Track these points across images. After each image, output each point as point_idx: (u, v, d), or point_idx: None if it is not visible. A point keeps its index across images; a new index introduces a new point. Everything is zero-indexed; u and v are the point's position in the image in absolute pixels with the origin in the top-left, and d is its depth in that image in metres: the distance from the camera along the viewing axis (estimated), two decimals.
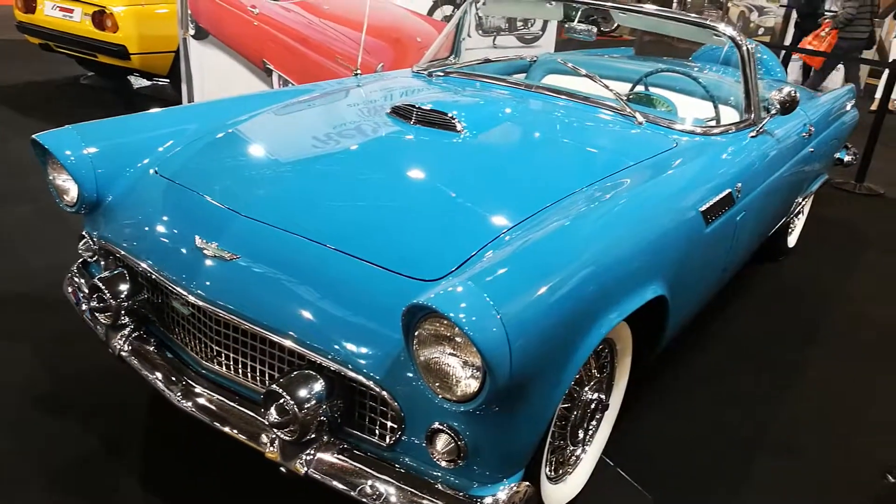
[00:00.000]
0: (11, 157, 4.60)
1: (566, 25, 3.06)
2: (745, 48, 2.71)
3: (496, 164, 2.11)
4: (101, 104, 6.29)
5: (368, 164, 2.06)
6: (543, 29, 6.12)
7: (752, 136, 2.66)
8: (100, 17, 5.70)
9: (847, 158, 4.48)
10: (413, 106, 2.32)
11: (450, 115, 2.26)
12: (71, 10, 5.92)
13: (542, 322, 1.43)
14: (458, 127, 2.24)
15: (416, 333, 1.40)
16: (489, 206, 1.85)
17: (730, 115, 2.81)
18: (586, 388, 1.90)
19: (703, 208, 2.12)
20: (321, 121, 2.47)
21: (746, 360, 2.93)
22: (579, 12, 3.01)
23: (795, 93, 2.66)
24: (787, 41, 10.75)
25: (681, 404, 2.60)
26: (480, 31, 5.80)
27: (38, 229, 3.56)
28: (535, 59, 3.93)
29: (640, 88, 3.21)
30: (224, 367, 1.80)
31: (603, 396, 1.99)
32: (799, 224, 4.15)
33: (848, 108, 4.22)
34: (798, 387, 2.79)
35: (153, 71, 6.05)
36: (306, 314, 1.60)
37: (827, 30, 8.57)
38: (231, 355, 1.77)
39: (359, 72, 3.12)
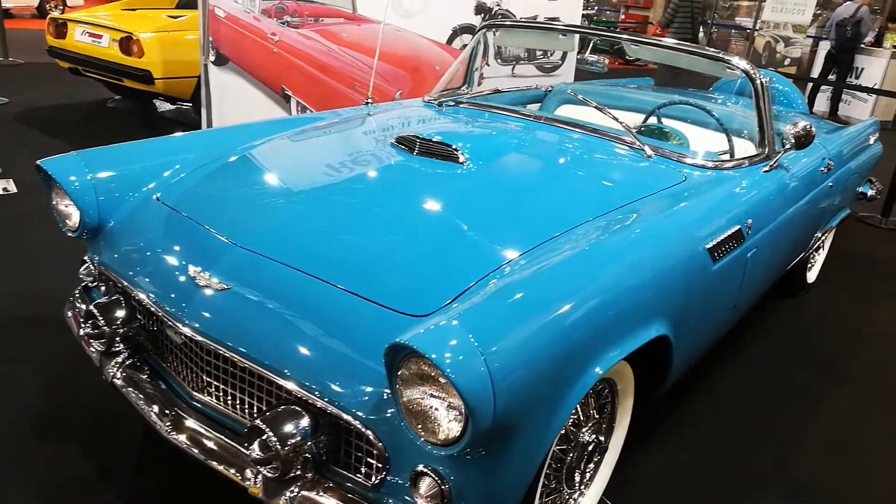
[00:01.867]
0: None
1: (577, 57, 3.04)
2: (758, 81, 2.66)
3: (498, 197, 2.08)
4: (126, 127, 6.41)
5: (368, 195, 2.04)
6: (563, 58, 6.12)
7: (765, 171, 2.60)
8: (127, 43, 5.83)
9: (871, 192, 4.37)
10: (416, 137, 2.30)
11: (453, 146, 2.24)
12: (100, 36, 6.07)
13: (531, 363, 1.39)
14: (461, 158, 2.22)
15: (398, 373, 1.36)
16: (487, 239, 1.82)
17: (745, 149, 2.75)
18: (584, 430, 1.84)
19: (710, 245, 2.07)
20: (324, 151, 2.47)
21: (761, 398, 2.84)
22: (591, 43, 3.00)
23: (811, 127, 2.60)
24: (815, 72, 10.64)
25: (691, 443, 2.51)
26: (499, 60, 5.82)
27: (69, 249, 3.60)
28: (550, 88, 3.92)
29: (652, 120, 3.18)
30: (214, 399, 1.78)
31: (602, 438, 1.92)
32: (819, 259, 4.05)
33: (871, 141, 4.13)
34: (813, 425, 2.68)
35: (176, 95, 6.16)
36: (292, 348, 1.57)
37: (658, 30, 8.92)
38: (221, 386, 1.75)
39: (370, 100, 3.13)
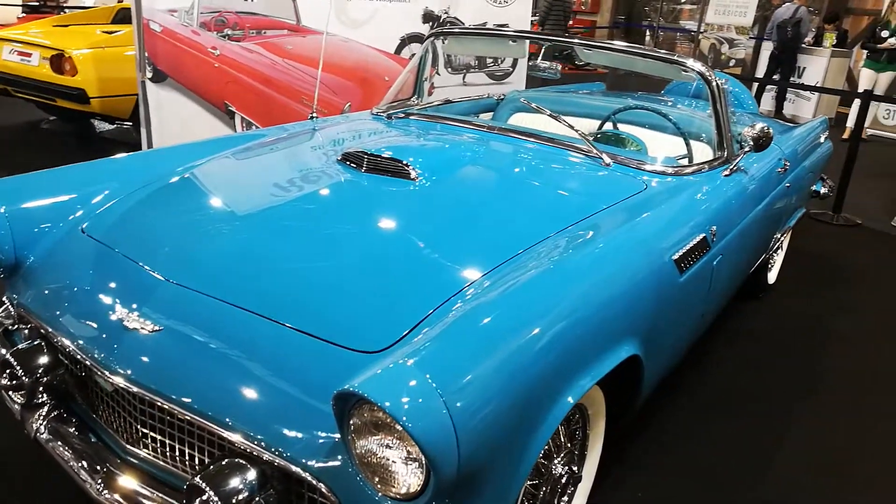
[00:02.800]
0: None
1: (529, 63, 2.95)
2: (714, 84, 2.60)
3: (453, 214, 1.95)
4: (62, 150, 6.11)
5: (313, 219, 1.90)
6: (514, 65, 6.05)
7: (726, 175, 2.54)
8: (58, 61, 5.55)
9: (823, 190, 4.39)
10: (364, 152, 2.17)
11: (404, 161, 2.11)
12: (29, 55, 5.76)
13: (497, 401, 1.26)
14: (413, 174, 2.09)
15: (350, 422, 1.22)
16: (445, 260, 1.69)
17: (703, 153, 2.69)
18: (556, 461, 1.72)
19: (676, 256, 1.98)
20: (266, 171, 2.31)
21: (729, 410, 2.77)
22: (543, 49, 2.91)
23: (769, 128, 2.56)
24: (759, 73, 10.85)
25: (662, 463, 2.42)
26: (450, 69, 5.71)
27: None
28: (502, 97, 3.82)
29: (608, 126, 3.11)
30: (150, 452, 1.60)
31: (575, 468, 1.81)
32: (779, 259, 4.04)
33: (822, 139, 4.14)
34: (786, 435, 2.62)
35: (115, 114, 5.89)
36: (233, 394, 1.42)
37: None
38: (158, 437, 1.58)
39: (315, 115, 2.98)
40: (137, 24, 4.38)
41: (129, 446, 1.63)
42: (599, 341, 1.61)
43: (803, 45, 10.07)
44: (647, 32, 15.25)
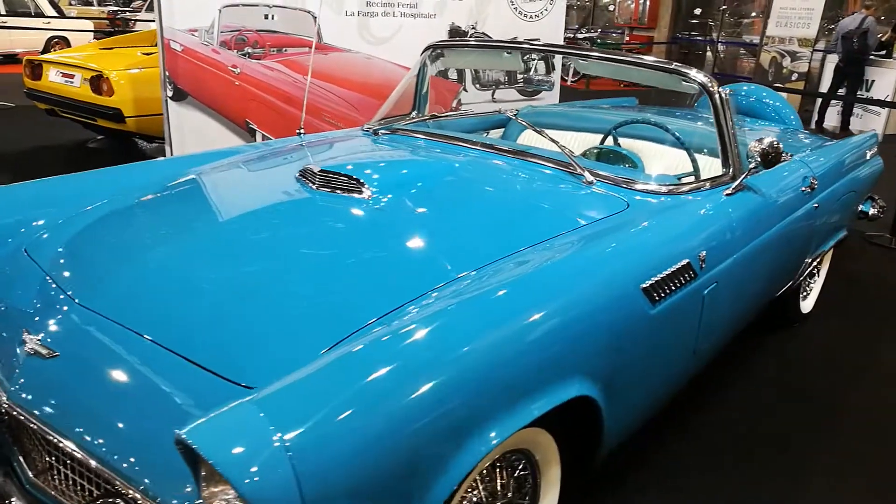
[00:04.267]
0: None
1: (520, 76, 2.79)
2: (717, 95, 2.38)
3: (396, 236, 1.80)
4: (100, 166, 6.26)
5: (245, 241, 1.78)
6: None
7: (728, 195, 2.30)
8: (97, 82, 5.71)
9: (872, 211, 4.03)
10: (319, 169, 2.05)
11: (356, 178, 1.98)
12: (72, 76, 5.96)
13: (370, 454, 1.10)
14: (365, 191, 1.96)
15: (200, 471, 1.08)
16: (366, 288, 1.55)
17: (715, 169, 2.46)
18: None
19: (647, 284, 1.77)
20: (220, 191, 2.21)
21: (739, 455, 2.49)
22: (536, 61, 2.74)
23: (778, 143, 2.31)
24: (822, 88, 10.27)
25: None
26: (478, 85, 5.58)
27: None
28: (515, 112, 3.66)
29: (610, 141, 2.90)
30: (53, 484, 1.51)
31: None
32: (816, 287, 3.69)
33: (868, 156, 3.80)
34: (805, 492, 2.34)
35: (150, 133, 6.01)
36: (106, 426, 1.31)
37: None
38: (59, 468, 1.48)
39: (302, 131, 2.89)
40: (161, 43, 4.44)
41: (33, 478, 1.54)
42: (529, 381, 1.43)
43: (871, 57, 9.49)
44: (708, 48, 14.78)
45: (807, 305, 3.59)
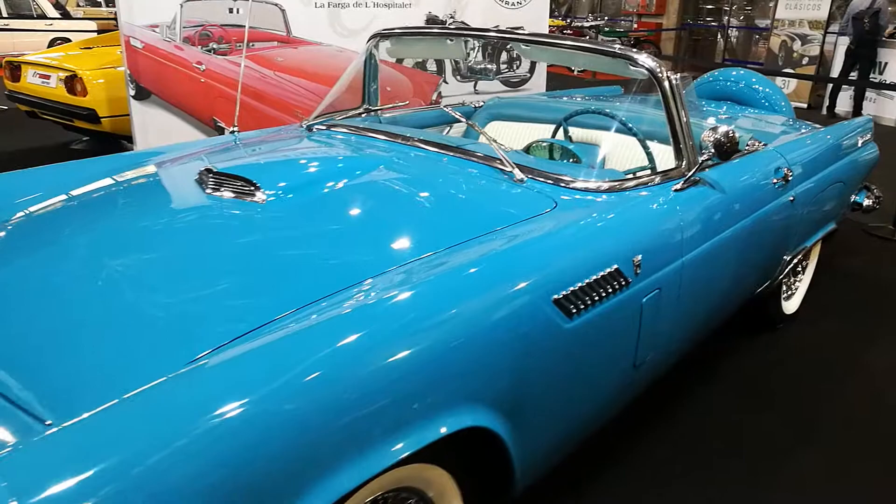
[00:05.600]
0: None
1: (467, 64, 2.59)
2: (666, 82, 2.16)
3: (283, 243, 1.62)
4: None
5: (113, 250, 1.61)
6: (531, 71, 5.65)
7: (677, 190, 2.09)
8: (71, 82, 5.60)
9: (867, 202, 3.77)
10: (214, 171, 1.87)
11: (251, 180, 1.80)
12: (48, 77, 5.86)
13: None
14: (259, 195, 1.78)
15: None
16: (227, 305, 1.37)
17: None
18: None
19: (559, 296, 1.57)
20: (113, 196, 2.03)
21: (691, 467, 2.29)
22: (475, 50, 2.54)
23: (734, 133, 2.09)
24: (833, 72, 9.90)
25: None
26: (458, 77, 5.38)
27: None
28: (480, 104, 3.46)
29: (561, 135, 2.69)
30: None
31: None
32: (802, 285, 3.45)
33: (860, 143, 3.54)
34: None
35: (128, 133, 5.89)
36: None
37: None
38: None
39: (235, 129, 2.72)
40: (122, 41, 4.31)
41: None
42: (398, 412, 1.24)
43: (884, 39, 9.11)
44: (719, 33, 14.38)
45: (791, 305, 3.35)
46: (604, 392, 1.89)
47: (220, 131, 4.69)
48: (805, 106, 10.15)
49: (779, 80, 10.33)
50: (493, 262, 1.51)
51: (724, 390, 2.76)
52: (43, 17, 13.58)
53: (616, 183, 2.05)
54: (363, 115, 2.79)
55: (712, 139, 2.10)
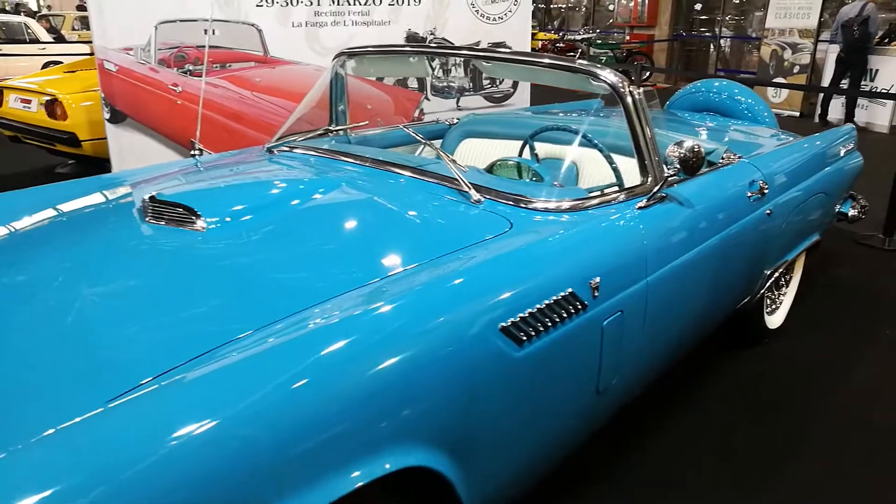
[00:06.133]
0: None
1: (432, 81, 2.53)
2: (629, 97, 2.09)
3: (216, 275, 1.55)
4: None
5: (35, 284, 1.54)
6: (514, 86, 5.60)
7: (642, 208, 2.02)
8: (51, 106, 5.57)
9: (853, 212, 3.70)
10: (154, 199, 1.81)
11: (191, 207, 1.74)
12: (29, 101, 5.83)
13: None
14: (199, 222, 1.71)
15: None
16: (149, 341, 1.29)
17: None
18: None
19: (507, 323, 1.49)
20: (50, 226, 1.93)
21: (681, 496, 2.20)
22: (457, 66, 2.48)
23: (699, 147, 2.03)
24: (825, 80, 9.86)
25: None
26: (433, 93, 5.32)
27: None
28: (454, 121, 3.41)
29: (528, 153, 2.63)
30: None
31: None
32: (786, 298, 3.37)
33: (842, 152, 3.47)
34: None
35: (106, 158, 5.84)
36: None
37: None
38: None
39: (196, 151, 2.66)
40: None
41: None
42: (337, 448, 1.17)
43: (873, 45, 9.07)
44: (711, 44, 14.38)
45: (775, 319, 3.27)
46: (565, 420, 1.80)
47: (201, 153, 4.63)
48: (797, 114, 10.11)
49: (771, 90, 10.31)
50: (433, 290, 1.44)
51: (699, 410, 2.67)
52: (36, 41, 13.60)
53: (578, 201, 1.98)
54: (328, 136, 2.72)
55: (677, 154, 2.03)
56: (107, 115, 4.37)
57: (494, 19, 5.40)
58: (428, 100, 5.29)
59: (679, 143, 2.04)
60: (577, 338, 1.70)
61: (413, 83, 5.21)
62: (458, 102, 5.45)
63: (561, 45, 14.77)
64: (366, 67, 2.83)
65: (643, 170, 2.12)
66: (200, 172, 2.34)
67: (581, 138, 2.39)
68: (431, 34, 5.17)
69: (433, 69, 2.61)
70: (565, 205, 1.95)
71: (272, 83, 4.74)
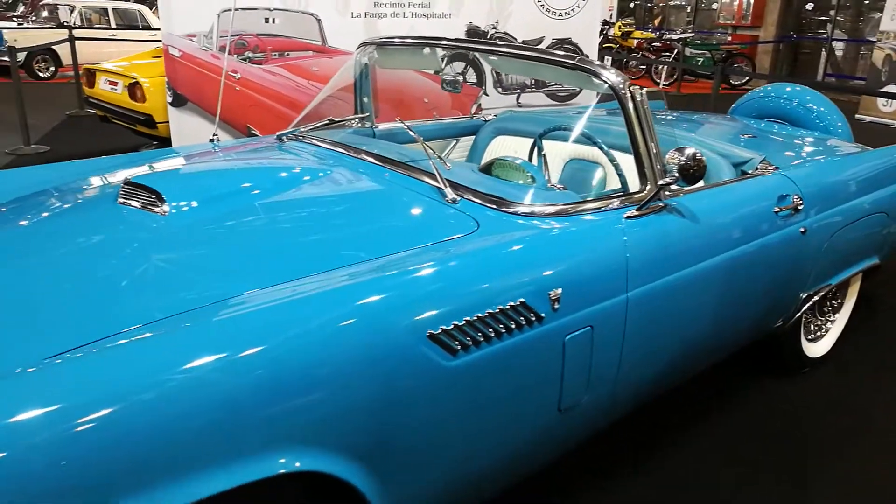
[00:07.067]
0: None
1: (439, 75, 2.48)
2: (630, 99, 1.95)
3: (167, 257, 1.56)
4: None
5: (23, 259, 1.60)
6: None
7: (631, 217, 1.88)
8: (133, 89, 5.88)
9: None
10: (126, 183, 1.85)
11: (157, 190, 1.76)
12: (116, 84, 6.18)
13: None
14: (163, 206, 1.73)
15: None
16: (63, 321, 1.31)
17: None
18: None
19: (438, 331, 1.42)
20: (53, 207, 2.02)
21: None
22: (445, 60, 2.41)
23: (700, 155, 1.87)
24: None
25: None
26: (500, 89, 5.23)
27: None
28: (491, 117, 3.33)
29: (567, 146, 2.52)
30: None
31: None
32: (835, 326, 3.08)
33: None
34: None
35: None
36: None
37: None
38: None
39: (216, 137, 2.72)
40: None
41: None
42: (230, 441, 1.15)
43: None
44: (823, 47, 13.45)
45: (819, 348, 3.00)
46: (519, 437, 1.70)
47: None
48: None
49: (881, 99, 9.53)
50: (353, 290, 1.38)
51: (719, 438, 2.48)
52: (148, 27, 14.45)
53: (567, 207, 1.87)
54: (349, 126, 2.71)
55: (678, 161, 1.88)
56: (170, 99, 4.56)
57: (561, 14, 5.24)
58: (486, 95, 5.21)
59: (680, 150, 1.89)
60: (530, 351, 1.60)
61: (472, 77, 5.14)
62: (518, 99, 5.34)
63: (657, 44, 14.22)
64: (385, 59, 2.79)
65: (642, 177, 1.97)
66: (202, 157, 2.38)
67: (588, 139, 2.26)
68: (493, 28, 5.08)
69: (442, 62, 2.52)
70: (550, 209, 1.84)
71: (328, 73, 4.78)
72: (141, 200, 1.77)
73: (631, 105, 1.95)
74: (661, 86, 13.15)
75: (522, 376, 1.62)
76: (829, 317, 3.04)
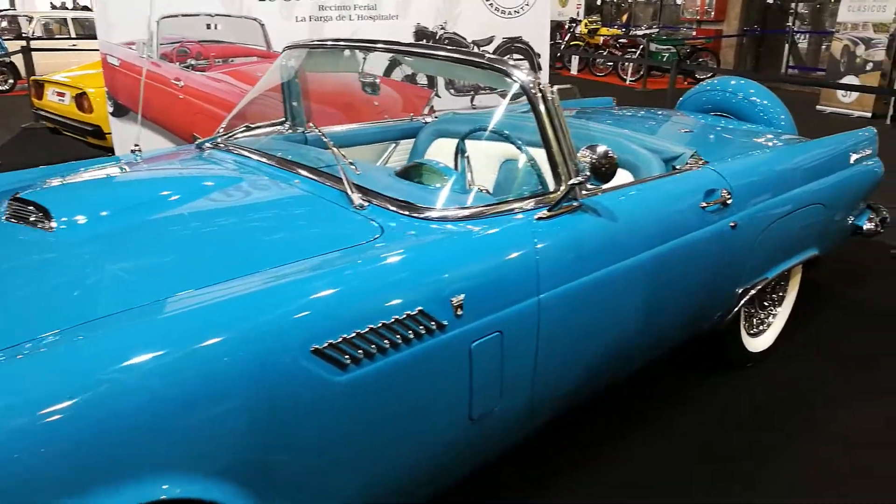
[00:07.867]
0: None
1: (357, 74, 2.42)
2: (540, 99, 1.91)
3: (42, 276, 1.49)
4: None
5: None
6: None
7: (541, 219, 1.83)
8: (80, 99, 5.76)
9: (868, 226, 3.34)
10: (14, 198, 1.77)
11: (44, 206, 1.68)
12: (63, 94, 6.06)
13: None
14: (50, 223, 1.66)
15: None
16: None
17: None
18: None
19: (323, 346, 1.36)
20: None
21: None
22: (363, 62, 2.36)
23: (612, 154, 1.83)
24: None
25: None
26: (452, 91, 5.18)
27: None
28: (431, 119, 3.27)
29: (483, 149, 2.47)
30: None
31: None
32: (778, 319, 3.06)
33: (853, 160, 3.13)
34: None
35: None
36: None
37: None
38: None
39: (137, 147, 2.63)
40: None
41: None
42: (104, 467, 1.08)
43: None
44: (786, 40, 13.57)
45: (761, 342, 2.97)
46: (426, 450, 1.65)
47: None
48: (869, 115, 9.39)
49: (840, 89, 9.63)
50: (235, 305, 1.32)
51: (661, 440, 2.45)
52: None
53: (483, 209, 1.82)
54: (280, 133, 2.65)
55: (590, 159, 1.84)
56: (111, 109, 4.45)
57: (510, 13, 5.20)
58: (439, 97, 5.16)
59: (591, 147, 1.84)
60: (433, 360, 1.55)
61: (422, 79, 5.09)
62: (472, 101, 5.29)
63: (624, 41, 14.28)
64: (309, 62, 2.73)
65: (556, 177, 1.93)
66: (111, 169, 2.30)
67: (507, 139, 2.22)
68: (442, 29, 5.03)
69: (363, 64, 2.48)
70: (464, 213, 1.79)
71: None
72: (28, 217, 1.70)
73: (542, 105, 1.91)
74: (627, 82, 13.21)
75: (427, 387, 1.57)
76: (771, 310, 3.02)
